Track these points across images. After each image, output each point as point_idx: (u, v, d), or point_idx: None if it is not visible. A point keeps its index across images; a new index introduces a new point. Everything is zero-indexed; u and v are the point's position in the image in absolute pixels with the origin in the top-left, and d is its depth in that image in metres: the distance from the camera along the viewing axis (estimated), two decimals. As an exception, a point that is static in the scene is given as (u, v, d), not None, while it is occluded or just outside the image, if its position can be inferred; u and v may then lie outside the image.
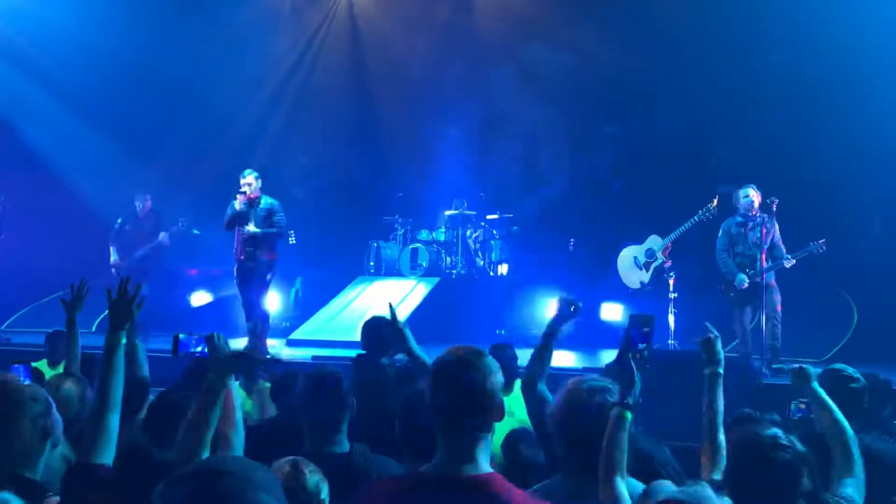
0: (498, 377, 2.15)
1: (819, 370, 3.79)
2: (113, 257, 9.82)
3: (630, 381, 2.51)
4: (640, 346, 2.63)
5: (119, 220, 9.93)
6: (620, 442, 2.41)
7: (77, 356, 4.10)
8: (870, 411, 3.92)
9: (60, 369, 5.82)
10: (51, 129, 11.71)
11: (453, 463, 2.09)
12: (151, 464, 2.53)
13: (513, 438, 3.75)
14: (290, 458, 2.50)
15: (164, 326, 9.62)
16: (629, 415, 2.45)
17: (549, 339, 3.38)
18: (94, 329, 9.14)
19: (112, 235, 9.90)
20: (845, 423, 3.00)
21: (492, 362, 2.17)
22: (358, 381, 4.02)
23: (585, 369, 7.26)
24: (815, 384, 3.19)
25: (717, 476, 2.77)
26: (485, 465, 2.11)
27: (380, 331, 4.39)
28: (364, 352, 4.75)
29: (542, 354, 3.36)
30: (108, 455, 2.64)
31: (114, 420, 2.69)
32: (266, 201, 8.16)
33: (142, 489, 2.52)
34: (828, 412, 3.06)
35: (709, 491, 1.83)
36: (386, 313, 3.34)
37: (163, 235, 9.80)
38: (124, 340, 2.82)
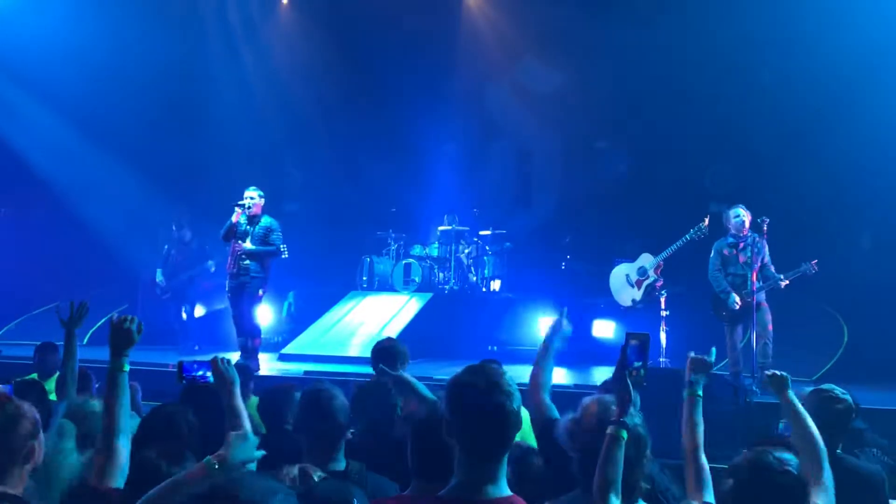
0: (519, 396, 2.15)
1: (809, 389, 3.84)
2: (158, 278, 10.27)
3: (626, 399, 2.53)
4: (636, 363, 2.63)
5: (166, 247, 10.41)
6: (616, 459, 2.42)
7: (75, 372, 4.12)
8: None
9: (52, 382, 5.83)
10: (45, 141, 11.72)
11: (477, 485, 2.07)
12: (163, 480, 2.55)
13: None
14: (298, 465, 2.54)
15: (159, 339, 9.69)
16: (625, 434, 2.46)
17: (547, 351, 3.48)
18: (85, 342, 9.13)
19: (160, 260, 10.39)
20: (817, 435, 3.04)
21: (513, 381, 2.16)
22: (364, 404, 4.02)
23: (577, 385, 7.28)
24: (791, 392, 3.21)
25: (710, 499, 2.77)
26: (506, 487, 2.10)
27: (388, 353, 4.39)
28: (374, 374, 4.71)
29: (542, 367, 3.43)
30: (119, 478, 2.65)
31: (123, 443, 2.71)
32: (266, 220, 8.22)
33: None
34: (801, 421, 3.10)
35: None
36: (389, 333, 3.40)
37: (210, 263, 10.14)
38: (127, 367, 2.84)
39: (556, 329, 3.57)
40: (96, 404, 3.40)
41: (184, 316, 10.24)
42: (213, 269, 10.09)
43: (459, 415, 2.10)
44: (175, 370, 3.12)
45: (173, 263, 10.26)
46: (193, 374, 3.03)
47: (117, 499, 2.59)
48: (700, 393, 3.00)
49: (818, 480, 2.88)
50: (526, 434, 3.98)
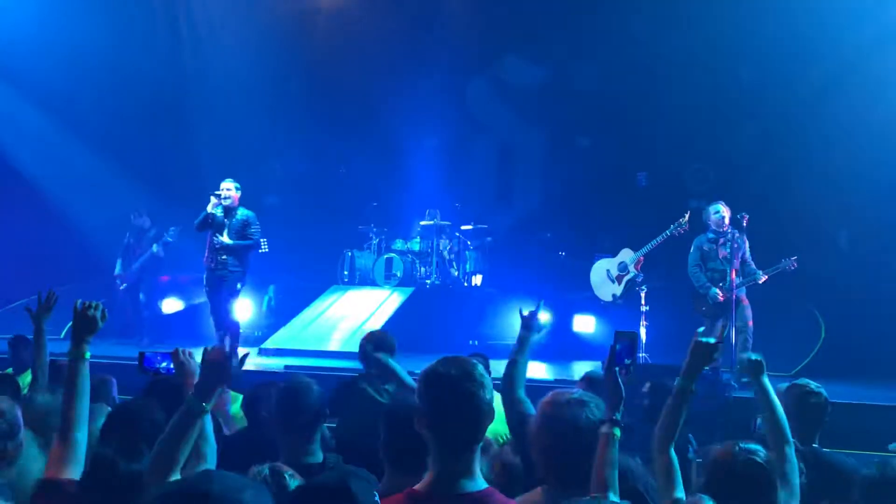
0: (492, 386, 2.15)
1: (786, 384, 3.87)
2: (117, 270, 10.22)
3: (618, 396, 2.51)
4: (626, 360, 2.65)
5: (127, 235, 10.30)
6: (612, 459, 2.40)
7: (45, 365, 4.00)
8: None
9: (28, 376, 5.75)
10: (22, 134, 11.56)
11: (452, 478, 2.06)
12: (118, 476, 2.51)
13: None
14: (268, 463, 2.52)
15: (134, 334, 9.60)
16: (618, 431, 2.45)
17: (522, 346, 3.43)
18: (62, 335, 9.02)
19: (120, 249, 10.30)
20: (785, 425, 3.01)
21: (485, 372, 2.17)
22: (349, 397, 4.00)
23: (557, 380, 7.30)
24: (765, 378, 3.15)
25: (680, 494, 2.77)
26: (481, 480, 2.10)
27: (377, 342, 4.37)
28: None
29: (517, 362, 3.39)
30: (75, 470, 2.58)
31: (81, 434, 2.64)
32: (242, 213, 8.12)
33: (108, 501, 2.51)
34: (770, 407, 3.06)
35: None
36: (371, 328, 3.36)
37: (155, 247, 9.98)
38: (88, 354, 2.76)
39: (530, 323, 3.49)
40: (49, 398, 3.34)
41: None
42: (160, 253, 9.93)
43: (432, 404, 2.10)
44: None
45: (132, 253, 10.15)
46: (156, 365, 2.98)
47: (73, 490, 2.53)
48: (693, 388, 2.71)
49: (785, 479, 2.81)
50: (500, 429, 3.98)
